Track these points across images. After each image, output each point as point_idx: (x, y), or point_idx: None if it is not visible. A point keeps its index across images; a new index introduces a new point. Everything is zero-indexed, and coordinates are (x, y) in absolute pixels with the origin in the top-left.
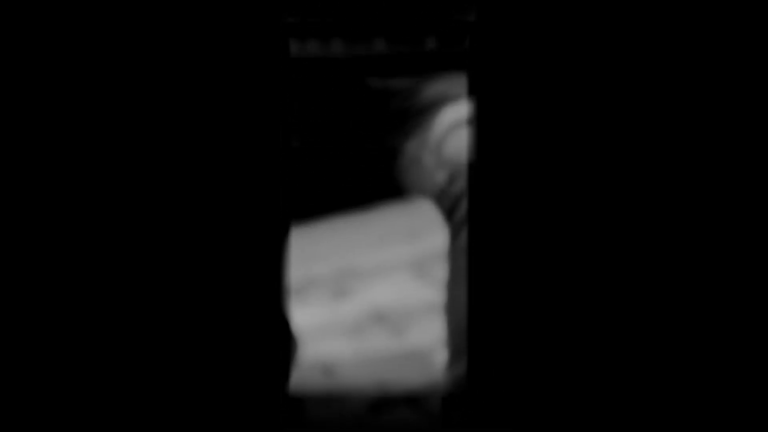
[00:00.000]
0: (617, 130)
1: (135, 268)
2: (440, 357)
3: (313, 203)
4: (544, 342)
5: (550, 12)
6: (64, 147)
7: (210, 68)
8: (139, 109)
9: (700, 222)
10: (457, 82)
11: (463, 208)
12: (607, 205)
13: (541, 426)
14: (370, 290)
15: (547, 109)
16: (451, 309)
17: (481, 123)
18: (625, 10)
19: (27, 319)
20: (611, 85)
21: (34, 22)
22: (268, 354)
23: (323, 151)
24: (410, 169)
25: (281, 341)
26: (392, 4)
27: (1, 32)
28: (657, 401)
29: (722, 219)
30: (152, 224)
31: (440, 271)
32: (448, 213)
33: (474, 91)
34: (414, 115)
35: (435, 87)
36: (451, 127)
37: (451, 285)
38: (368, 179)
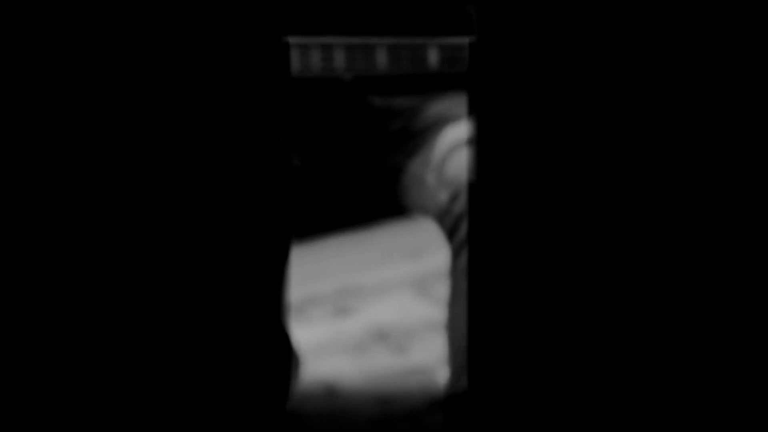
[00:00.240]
0: (617, 150)
1: (137, 282)
2: (442, 375)
3: (315, 221)
4: (544, 360)
5: (549, 32)
6: (59, 156)
7: (210, 85)
8: (141, 127)
9: (697, 231)
10: (460, 102)
11: (464, 227)
12: (606, 225)
13: None
14: (372, 308)
15: (547, 128)
16: (451, 328)
17: (481, 143)
18: (623, 33)
19: (25, 320)
20: (611, 106)
21: (30, 24)
22: (269, 371)
23: (325, 170)
24: (412, 188)
25: (283, 358)
26: (395, 21)
27: (1, 32)
28: (656, 405)
29: (723, 220)
30: (154, 239)
31: (442, 290)
32: (450, 232)
33: (474, 111)
34: (416, 135)
35: (437, 106)
36: (452, 146)
37: (452, 304)
38: (370, 198)
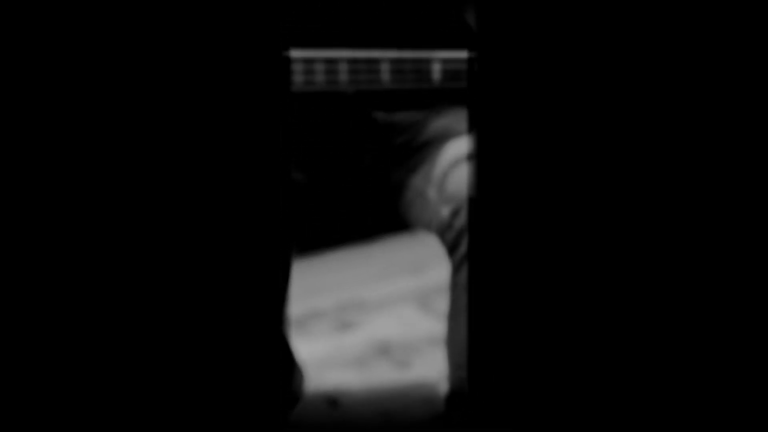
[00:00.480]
0: (618, 164)
1: (139, 293)
2: (444, 389)
3: (318, 236)
4: (543, 374)
5: (549, 46)
6: (55, 160)
7: (212, 98)
8: (141, 139)
9: (696, 236)
10: (463, 117)
11: (465, 243)
12: (606, 239)
13: None
14: (374, 323)
15: (548, 143)
16: (451, 343)
17: (481, 158)
18: (622, 48)
19: (23, 321)
20: (611, 119)
21: (27, 25)
22: (271, 384)
23: (328, 185)
24: (414, 203)
25: (286, 373)
26: (398, 35)
27: (1, 32)
28: (656, 406)
29: (724, 223)
30: (155, 251)
31: (444, 304)
32: (451, 248)
33: (474, 126)
34: (418, 150)
35: (440, 121)
36: (454, 162)
37: (452, 319)
38: (372, 212)
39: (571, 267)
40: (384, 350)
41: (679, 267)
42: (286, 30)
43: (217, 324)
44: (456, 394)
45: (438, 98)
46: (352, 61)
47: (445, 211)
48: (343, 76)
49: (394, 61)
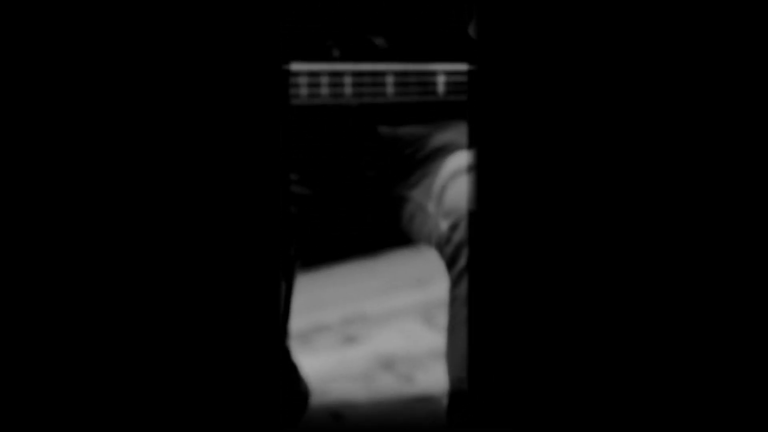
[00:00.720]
0: (617, 178)
1: (139, 305)
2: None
3: (322, 250)
4: (543, 389)
5: (550, 62)
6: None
7: (211, 110)
8: (140, 153)
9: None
10: (466, 130)
11: (464, 257)
12: (605, 253)
13: None
14: (378, 337)
15: (548, 157)
16: (451, 356)
17: (481, 171)
18: (619, 60)
19: (20, 321)
20: (610, 135)
21: (26, 25)
22: (276, 398)
23: (333, 198)
24: (416, 217)
25: (289, 386)
26: (402, 48)
27: (1, 32)
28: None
29: (726, 227)
30: (154, 263)
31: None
32: (450, 262)
33: (474, 139)
34: (421, 164)
35: (443, 135)
36: (452, 174)
37: (451, 333)
38: (377, 226)
39: (571, 279)
40: (388, 364)
41: (678, 274)
42: (286, 43)
43: (218, 337)
44: (456, 394)
45: (443, 111)
46: (357, 74)
47: (443, 225)
48: (348, 89)
49: (399, 74)
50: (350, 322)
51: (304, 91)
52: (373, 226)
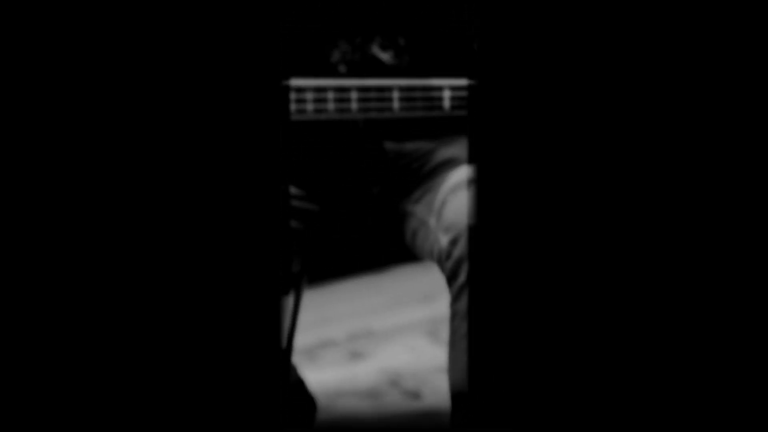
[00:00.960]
0: (617, 193)
1: (140, 322)
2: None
3: (329, 266)
4: (544, 404)
5: (550, 75)
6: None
7: (209, 125)
8: (139, 167)
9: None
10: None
11: (464, 271)
12: (603, 268)
13: None
14: (385, 352)
15: (549, 171)
16: (452, 371)
17: (481, 186)
18: (620, 76)
19: (18, 321)
20: (609, 150)
21: (26, 25)
22: (282, 414)
23: (339, 214)
24: (419, 232)
25: (297, 402)
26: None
27: (1, 32)
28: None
29: (728, 231)
30: (158, 283)
31: None
32: (450, 276)
33: (474, 154)
34: (425, 179)
35: (447, 150)
36: (452, 189)
37: (452, 348)
38: (383, 242)
39: (571, 293)
40: (394, 380)
41: (676, 282)
42: (286, 58)
43: (221, 353)
44: (459, 395)
45: (449, 126)
46: (363, 89)
47: (443, 240)
48: (354, 104)
49: (405, 89)
50: (356, 337)
51: (310, 106)
52: (379, 242)
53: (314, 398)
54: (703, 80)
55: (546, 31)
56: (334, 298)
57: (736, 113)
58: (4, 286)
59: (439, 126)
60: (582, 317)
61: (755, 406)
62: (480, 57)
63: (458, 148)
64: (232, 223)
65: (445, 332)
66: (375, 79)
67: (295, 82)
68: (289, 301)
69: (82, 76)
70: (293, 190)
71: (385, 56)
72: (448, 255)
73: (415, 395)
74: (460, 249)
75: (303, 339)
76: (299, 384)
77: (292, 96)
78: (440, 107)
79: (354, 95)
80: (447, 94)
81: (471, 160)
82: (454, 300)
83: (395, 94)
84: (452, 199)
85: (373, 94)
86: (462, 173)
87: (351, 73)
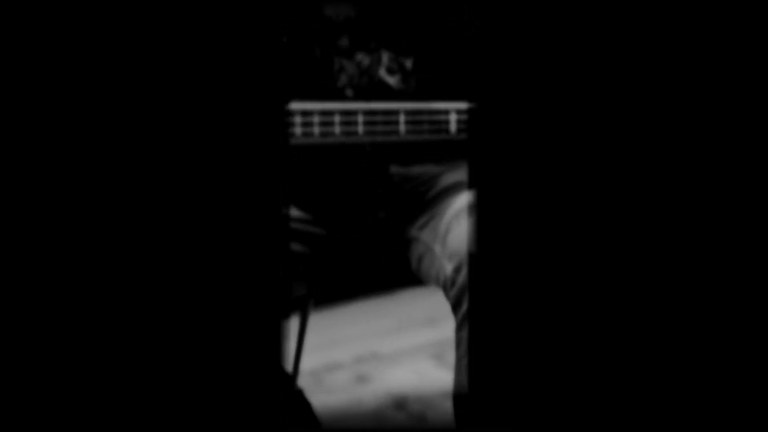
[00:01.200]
0: (617, 221)
1: (142, 354)
2: None
3: (335, 288)
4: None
5: (551, 100)
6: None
7: (210, 147)
8: (141, 196)
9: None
10: None
11: (468, 300)
12: (602, 293)
13: None
14: (391, 375)
15: (550, 198)
16: (457, 395)
17: (481, 213)
18: (619, 101)
19: (18, 321)
20: (609, 179)
21: (26, 25)
22: None
23: (346, 238)
24: (424, 258)
25: (303, 425)
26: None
27: (1, 32)
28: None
29: (729, 233)
30: (158, 306)
31: None
32: (454, 304)
33: (474, 179)
34: (431, 204)
35: (453, 175)
36: (456, 215)
37: (458, 374)
38: (389, 265)
39: (572, 326)
40: (400, 403)
41: (672, 297)
42: (285, 83)
43: (224, 376)
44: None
45: (455, 150)
46: (369, 113)
47: (448, 267)
48: (360, 127)
49: (411, 113)
50: (362, 360)
51: (317, 129)
52: (385, 265)
53: (319, 421)
54: (698, 108)
55: (545, 58)
56: (340, 321)
57: (728, 125)
58: (7, 287)
59: (446, 149)
60: (581, 353)
61: (755, 406)
62: (479, 80)
63: (464, 173)
64: (232, 246)
65: (450, 356)
66: (381, 102)
67: (302, 105)
68: (294, 324)
69: (94, 98)
70: (299, 213)
71: (392, 80)
72: (453, 282)
73: (421, 418)
74: (464, 277)
75: (309, 362)
76: (305, 407)
77: (299, 119)
78: (446, 130)
79: (360, 118)
80: (453, 118)
81: (471, 185)
82: (459, 328)
83: (401, 118)
84: (456, 225)
85: (379, 118)
86: (467, 199)
87: (358, 97)
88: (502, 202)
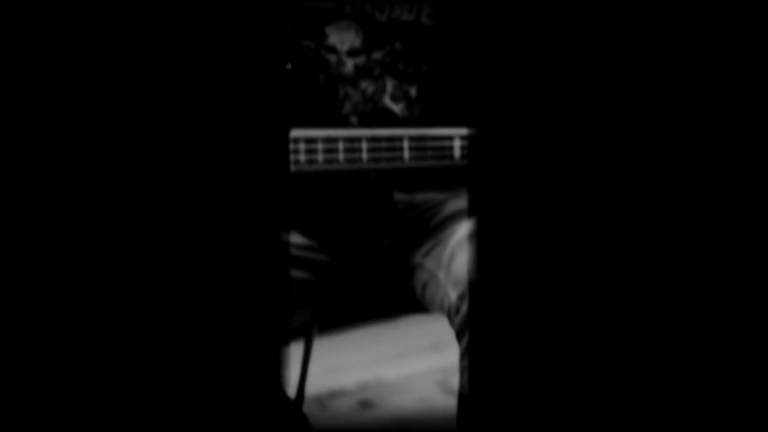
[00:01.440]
0: (613, 254)
1: (144, 383)
2: None
3: (340, 315)
4: None
5: (549, 127)
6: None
7: (208, 176)
8: (141, 222)
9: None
10: None
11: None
12: (606, 329)
13: None
14: (395, 402)
15: (548, 226)
16: (461, 423)
17: (481, 241)
18: (617, 131)
19: (18, 321)
20: (607, 208)
21: (27, 25)
22: None
23: (350, 265)
24: (429, 285)
25: None
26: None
27: (2, 32)
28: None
29: (730, 234)
30: (157, 334)
31: None
32: (459, 332)
33: (474, 206)
34: (435, 231)
35: (458, 201)
36: (460, 242)
37: (462, 401)
38: (393, 292)
39: (573, 360)
40: (405, 429)
41: (667, 309)
42: (289, 111)
43: (225, 404)
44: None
45: (459, 175)
46: (373, 139)
47: (453, 295)
48: (365, 154)
49: (415, 139)
50: (367, 387)
51: (321, 156)
52: (390, 291)
53: None
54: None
55: (545, 84)
56: (345, 347)
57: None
58: (9, 286)
59: (450, 175)
60: (582, 379)
61: (754, 406)
62: (478, 108)
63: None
64: (233, 274)
65: (455, 382)
66: (385, 129)
67: (306, 132)
68: (298, 350)
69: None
70: (303, 240)
71: (397, 108)
72: (457, 310)
73: None
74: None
75: (313, 388)
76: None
77: (303, 146)
78: (450, 156)
79: (364, 145)
80: (457, 144)
81: (471, 213)
82: (463, 356)
83: (405, 144)
84: (461, 252)
85: (383, 144)
86: (471, 226)
87: (362, 125)
88: (502, 231)
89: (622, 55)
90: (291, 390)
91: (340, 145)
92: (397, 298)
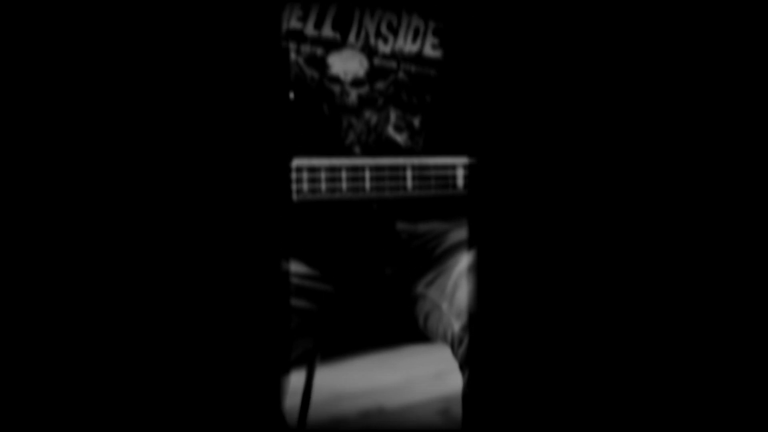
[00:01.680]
0: (614, 275)
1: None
2: None
3: (343, 344)
4: None
5: (549, 155)
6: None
7: (210, 206)
8: (144, 252)
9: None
10: None
11: None
12: (606, 347)
13: None
14: (397, 430)
15: (549, 251)
16: None
17: (481, 272)
18: (616, 156)
19: (18, 321)
20: (609, 239)
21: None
22: None
23: (353, 296)
24: (432, 315)
25: None
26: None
27: (2, 32)
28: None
29: (730, 234)
30: (157, 368)
31: None
32: (462, 363)
33: (474, 236)
34: (437, 262)
35: (461, 231)
36: (464, 273)
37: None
38: (396, 321)
39: (576, 384)
40: None
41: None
42: (290, 140)
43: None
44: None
45: (462, 204)
46: (376, 169)
47: (456, 326)
48: (368, 183)
49: (418, 168)
50: (369, 415)
51: (324, 186)
52: (392, 320)
53: None
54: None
55: (544, 116)
56: (347, 375)
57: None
58: (10, 286)
59: (453, 205)
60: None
61: (754, 406)
62: (478, 138)
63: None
64: (232, 302)
65: (458, 410)
66: (388, 158)
67: (309, 161)
68: (300, 378)
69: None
70: (306, 269)
71: (400, 138)
72: (461, 341)
73: None
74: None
75: (316, 416)
76: None
77: (306, 175)
78: (453, 185)
79: (367, 174)
80: (460, 173)
81: (471, 244)
82: (466, 387)
83: (408, 173)
84: (464, 283)
85: (386, 173)
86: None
87: (366, 155)
88: (501, 264)
89: (618, 92)
90: (292, 418)
91: (343, 174)
92: (399, 327)
